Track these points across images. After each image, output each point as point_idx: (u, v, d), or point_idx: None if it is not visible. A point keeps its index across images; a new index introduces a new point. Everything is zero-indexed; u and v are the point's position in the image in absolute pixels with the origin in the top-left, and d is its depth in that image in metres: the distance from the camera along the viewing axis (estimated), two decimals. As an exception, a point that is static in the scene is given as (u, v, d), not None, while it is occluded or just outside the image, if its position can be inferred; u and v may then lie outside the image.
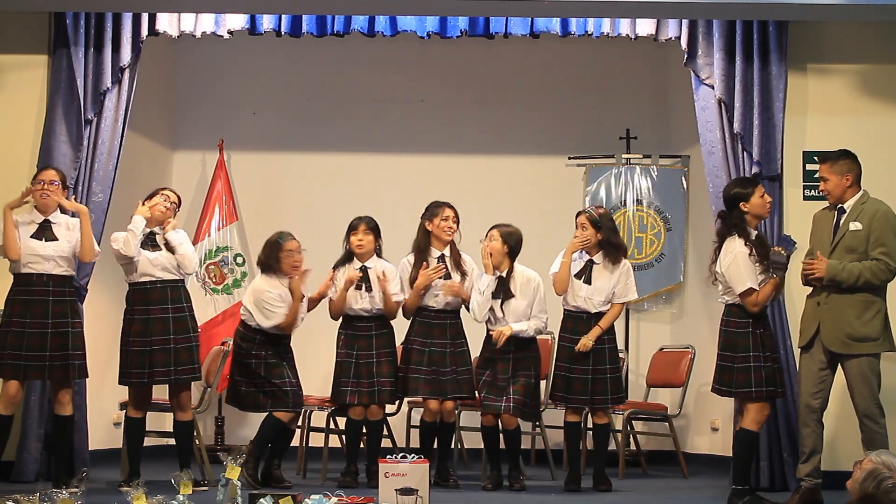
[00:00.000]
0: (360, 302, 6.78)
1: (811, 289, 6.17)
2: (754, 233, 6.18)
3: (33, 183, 6.42)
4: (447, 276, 6.79)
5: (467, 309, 6.80)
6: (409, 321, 6.90)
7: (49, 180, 6.43)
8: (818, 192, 6.36)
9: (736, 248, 6.08)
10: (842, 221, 6.08)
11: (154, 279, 6.48)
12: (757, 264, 6.06)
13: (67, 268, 6.44)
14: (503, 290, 6.68)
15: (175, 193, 6.69)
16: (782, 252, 6.09)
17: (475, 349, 6.88)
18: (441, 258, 6.81)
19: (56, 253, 6.38)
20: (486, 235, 6.75)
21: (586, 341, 6.56)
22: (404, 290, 6.80)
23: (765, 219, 6.43)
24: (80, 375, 6.51)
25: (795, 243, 6.19)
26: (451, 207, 6.85)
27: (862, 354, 5.95)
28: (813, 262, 6.05)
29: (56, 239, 6.40)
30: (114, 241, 6.44)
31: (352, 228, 6.83)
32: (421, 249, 6.82)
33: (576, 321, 6.65)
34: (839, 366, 6.08)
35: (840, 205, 6.12)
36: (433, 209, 6.86)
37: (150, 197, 6.61)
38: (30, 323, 6.31)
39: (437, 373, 6.71)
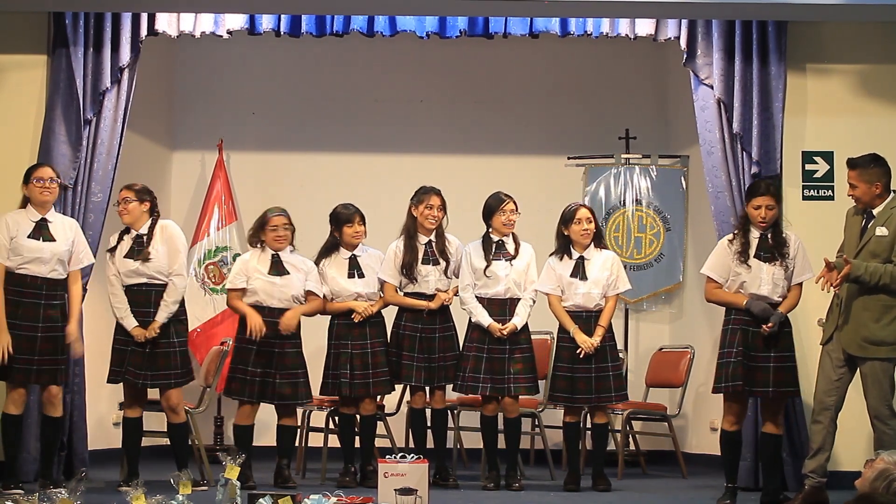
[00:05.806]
0: (355, 289, 6.79)
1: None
2: (757, 233, 6.22)
3: (30, 181, 6.40)
4: (434, 263, 6.81)
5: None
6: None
7: (49, 177, 6.42)
8: (820, 193, 6.31)
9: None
10: (869, 226, 6.01)
11: (146, 282, 6.50)
12: (737, 257, 6.16)
13: (62, 271, 6.40)
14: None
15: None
16: (770, 323, 6.10)
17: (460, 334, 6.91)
18: (428, 244, 6.81)
19: (53, 255, 6.35)
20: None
21: (592, 342, 6.56)
22: (392, 275, 6.81)
23: (766, 223, 6.22)
24: (63, 380, 6.49)
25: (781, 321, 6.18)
26: (438, 194, 6.82)
27: (877, 358, 5.94)
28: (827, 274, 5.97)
29: (54, 240, 6.38)
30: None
31: (346, 221, 6.83)
32: (409, 235, 6.82)
33: (575, 321, 6.65)
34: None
35: (870, 209, 6.03)
36: (419, 195, 6.85)
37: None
38: (19, 325, 6.27)
39: (428, 360, 6.74)
